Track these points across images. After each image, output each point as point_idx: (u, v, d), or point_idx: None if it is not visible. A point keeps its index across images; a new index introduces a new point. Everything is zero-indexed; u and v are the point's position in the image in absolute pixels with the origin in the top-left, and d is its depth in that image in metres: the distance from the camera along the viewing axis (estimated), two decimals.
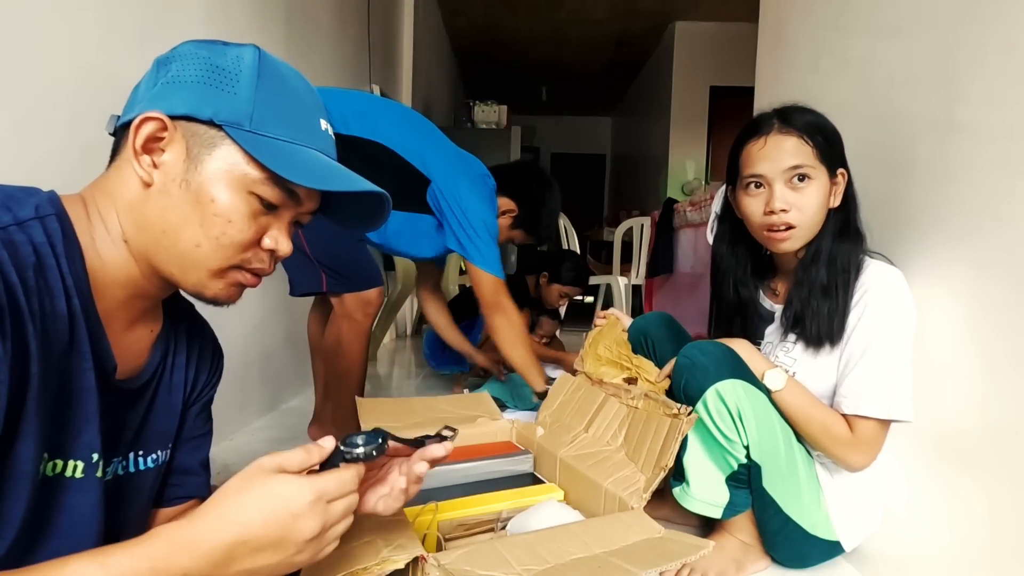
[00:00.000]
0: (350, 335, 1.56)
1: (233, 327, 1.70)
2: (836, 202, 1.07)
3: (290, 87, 0.63)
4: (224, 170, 0.58)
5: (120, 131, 0.60)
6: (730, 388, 1.00)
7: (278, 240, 0.63)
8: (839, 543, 1.08)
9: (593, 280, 3.83)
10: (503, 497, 1.12)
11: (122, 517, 0.63)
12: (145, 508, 0.69)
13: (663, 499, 1.20)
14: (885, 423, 1.01)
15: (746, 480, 1.05)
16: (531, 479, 1.25)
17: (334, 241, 1.50)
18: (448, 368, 2.54)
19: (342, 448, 0.59)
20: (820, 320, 1.05)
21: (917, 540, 1.09)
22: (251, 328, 1.88)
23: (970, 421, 0.98)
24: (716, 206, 2.15)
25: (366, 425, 1.26)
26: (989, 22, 0.98)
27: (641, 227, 3.59)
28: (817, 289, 1.06)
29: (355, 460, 0.59)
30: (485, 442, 1.37)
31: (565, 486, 1.17)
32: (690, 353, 1.07)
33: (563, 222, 3.91)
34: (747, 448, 1.02)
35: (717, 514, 1.06)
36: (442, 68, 5.56)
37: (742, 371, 1.03)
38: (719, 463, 1.04)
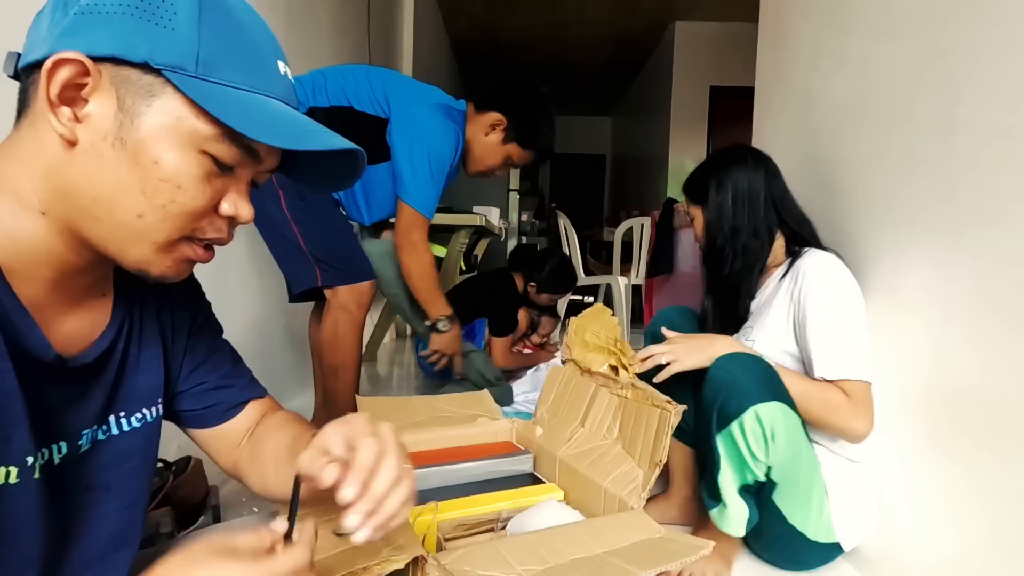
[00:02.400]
0: (345, 326, 1.57)
1: (232, 327, 1.70)
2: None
3: (239, 22, 0.53)
4: (168, 125, 0.49)
5: (25, 76, 0.50)
6: (770, 411, 0.99)
7: (237, 205, 0.55)
8: (838, 544, 1.09)
9: (593, 280, 3.82)
10: (503, 497, 1.12)
11: (107, 480, 0.60)
12: (142, 467, 0.65)
13: (667, 501, 1.21)
14: (867, 383, 1.06)
15: (755, 490, 1.05)
16: (531, 479, 1.25)
17: (329, 236, 1.54)
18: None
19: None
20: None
21: (917, 540, 1.09)
22: (250, 328, 1.88)
23: (970, 420, 0.98)
24: None
25: None
26: (989, 22, 0.98)
27: (641, 227, 3.58)
28: None
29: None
30: (485, 442, 1.37)
31: (565, 486, 1.17)
32: (730, 368, 1.05)
33: (563, 222, 3.91)
34: (769, 468, 1.02)
35: (743, 532, 1.04)
36: (442, 68, 5.56)
37: (781, 391, 1.03)
38: (738, 474, 1.03)
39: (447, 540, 1.04)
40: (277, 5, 1.98)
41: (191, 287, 0.74)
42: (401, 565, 0.68)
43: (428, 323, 1.77)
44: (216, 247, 0.57)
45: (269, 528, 0.50)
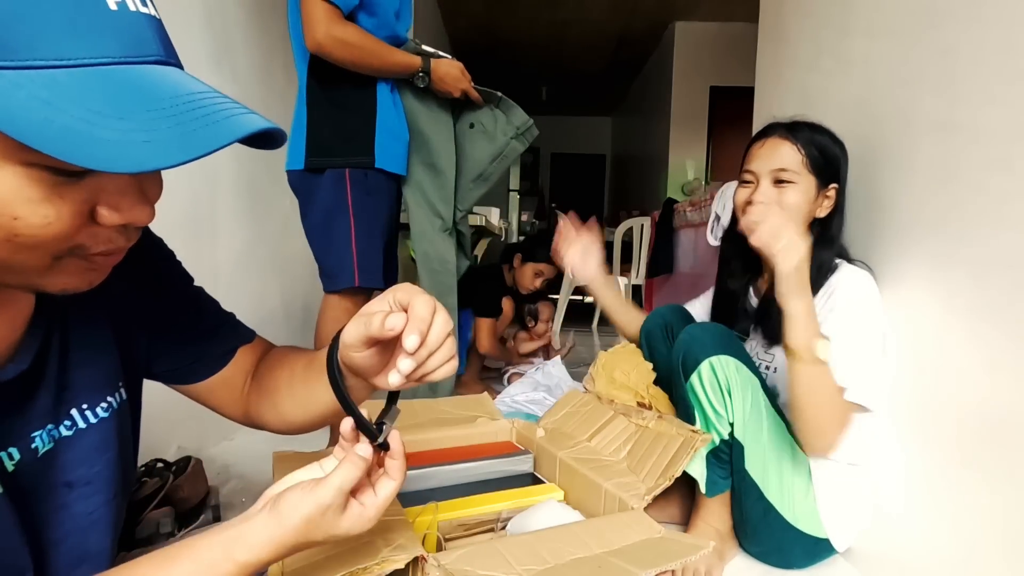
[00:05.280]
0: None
1: None
2: (822, 213, 1.13)
3: None
4: None
5: None
6: (724, 363, 1.04)
7: (120, 208, 0.42)
8: (827, 541, 1.09)
9: None
10: (503, 497, 1.12)
11: (87, 475, 0.58)
12: (119, 456, 0.62)
13: (668, 500, 1.21)
14: (853, 405, 1.04)
15: (727, 458, 1.07)
16: (531, 479, 1.25)
17: (381, 236, 1.45)
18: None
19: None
20: (777, 321, 1.03)
21: (917, 540, 1.09)
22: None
23: (971, 420, 0.98)
24: (716, 206, 2.15)
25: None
26: (989, 22, 0.98)
27: (641, 227, 3.59)
28: None
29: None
30: (485, 442, 1.37)
31: (565, 486, 1.17)
32: (692, 330, 1.12)
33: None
34: (732, 425, 1.05)
35: (701, 484, 1.08)
36: None
37: (739, 351, 1.07)
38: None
39: (447, 540, 1.04)
40: (276, 5, 1.98)
41: (139, 242, 0.67)
42: (401, 565, 0.68)
43: (420, 71, 1.47)
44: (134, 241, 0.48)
45: (358, 455, 0.54)
